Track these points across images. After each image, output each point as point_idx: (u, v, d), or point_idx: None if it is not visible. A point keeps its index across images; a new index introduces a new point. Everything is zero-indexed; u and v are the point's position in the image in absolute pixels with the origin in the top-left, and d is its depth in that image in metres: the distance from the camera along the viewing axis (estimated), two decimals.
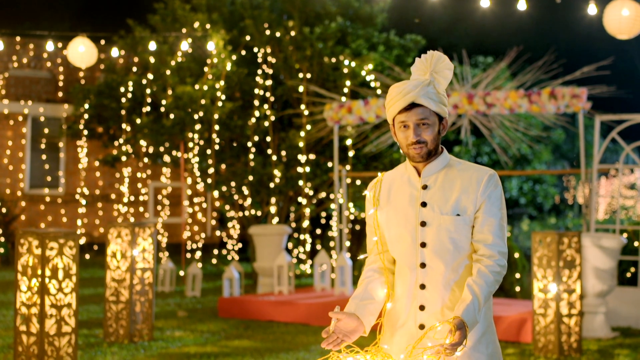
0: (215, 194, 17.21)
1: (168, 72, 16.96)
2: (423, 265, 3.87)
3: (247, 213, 17.20)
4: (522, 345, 10.25)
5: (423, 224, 3.88)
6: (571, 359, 9.52)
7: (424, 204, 3.89)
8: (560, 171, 19.50)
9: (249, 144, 16.58)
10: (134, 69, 18.59)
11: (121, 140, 18.24)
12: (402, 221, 3.94)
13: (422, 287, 3.87)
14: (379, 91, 15.67)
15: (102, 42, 19.41)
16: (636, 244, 12.36)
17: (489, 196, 3.85)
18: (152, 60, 17.33)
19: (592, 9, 12.46)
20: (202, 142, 16.74)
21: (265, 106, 16.61)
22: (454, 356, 3.65)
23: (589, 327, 10.81)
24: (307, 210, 16.37)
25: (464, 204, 3.85)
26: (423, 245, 3.87)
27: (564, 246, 9.64)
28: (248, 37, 16.89)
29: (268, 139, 16.69)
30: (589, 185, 12.30)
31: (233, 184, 16.79)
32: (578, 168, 19.21)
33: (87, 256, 21.08)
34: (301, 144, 16.03)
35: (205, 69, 16.88)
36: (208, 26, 16.89)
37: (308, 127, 15.94)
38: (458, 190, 3.87)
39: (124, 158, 18.26)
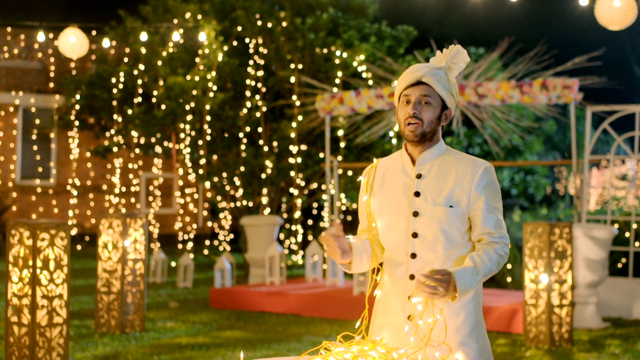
0: (207, 184, 17.20)
1: (159, 62, 16.93)
2: (414, 255, 3.84)
3: (238, 204, 17.19)
4: (514, 336, 10.27)
5: (415, 214, 3.84)
6: (562, 349, 9.54)
7: (417, 194, 3.86)
8: (552, 162, 19.53)
9: (241, 134, 16.56)
10: (125, 59, 18.54)
11: (112, 131, 18.21)
12: (394, 210, 3.91)
13: (412, 277, 3.83)
14: (370, 82, 15.67)
15: (94, 32, 19.36)
16: (627, 234, 12.39)
17: (485, 191, 3.82)
18: (143, 51, 17.29)
19: (583, 0, 12.46)
20: (193, 133, 16.72)
21: (257, 97, 16.59)
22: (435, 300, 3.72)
23: (580, 318, 10.84)
24: (299, 201, 16.37)
25: (457, 196, 3.81)
26: (415, 235, 3.84)
27: (555, 237, 9.66)
28: (239, 28, 16.86)
29: (260, 129, 16.68)
30: (580, 176, 12.32)
31: (225, 174, 16.78)
32: (569, 159, 19.24)
33: (79, 247, 21.06)
34: (293, 135, 16.02)
35: (197, 59, 16.85)
36: (199, 17, 16.86)
37: (300, 117, 15.93)
38: (452, 182, 3.83)
39: (115, 149, 18.23)
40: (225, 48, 16.57)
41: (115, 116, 17.96)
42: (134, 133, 17.40)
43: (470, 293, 3.73)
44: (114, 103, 17.88)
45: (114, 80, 17.79)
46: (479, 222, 3.83)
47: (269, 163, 16.16)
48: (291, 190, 16.74)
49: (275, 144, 16.61)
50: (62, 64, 22.59)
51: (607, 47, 14.33)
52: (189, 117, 16.35)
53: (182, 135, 16.65)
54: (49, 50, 22.41)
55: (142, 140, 17.71)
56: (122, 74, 17.65)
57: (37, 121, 22.59)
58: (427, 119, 3.85)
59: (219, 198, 17.73)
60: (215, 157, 17.32)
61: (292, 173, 16.26)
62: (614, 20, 11.77)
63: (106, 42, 17.35)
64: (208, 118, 16.34)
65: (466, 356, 3.78)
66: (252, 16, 16.65)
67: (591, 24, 13.02)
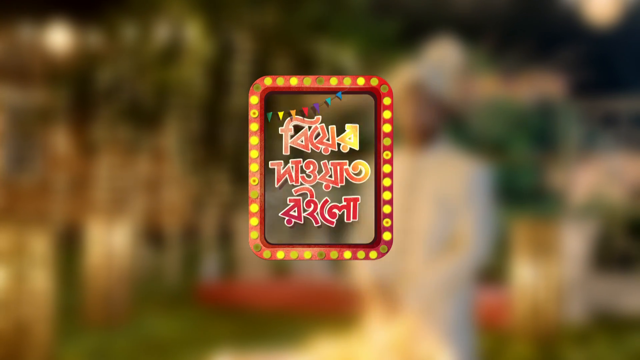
0: (195, 179, 17.16)
1: (146, 57, 16.86)
2: (405, 252, 3.84)
3: (227, 198, 17.15)
4: (499, 332, 10.27)
5: (407, 210, 3.84)
6: (548, 345, 9.55)
7: (411, 190, 3.85)
8: (538, 156, 19.51)
9: (229, 129, 16.52)
10: (112, 54, 18.46)
11: (99, 126, 18.13)
12: (395, 205, 3.89)
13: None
14: None
15: (80, 26, 19.27)
16: (614, 229, 12.41)
17: (472, 189, 3.76)
18: (130, 45, 17.22)
19: None
20: (181, 128, 16.67)
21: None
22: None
23: (566, 313, 10.85)
24: None
25: (446, 195, 3.77)
26: (406, 232, 3.84)
27: (542, 232, 9.66)
28: (227, 23, 16.80)
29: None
30: (567, 171, 12.34)
31: (213, 169, 16.74)
32: (556, 153, 19.28)
33: (65, 243, 20.98)
34: None
35: (184, 54, 16.79)
36: (186, 11, 16.80)
37: None
38: (443, 179, 3.79)
39: (101, 144, 18.16)
40: (212, 43, 16.52)
41: (101, 111, 17.88)
42: (121, 128, 17.34)
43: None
44: (101, 98, 17.80)
45: (100, 74, 17.70)
46: (458, 218, 3.78)
47: None
48: None
49: None
50: (47, 58, 22.50)
51: (595, 40, 14.34)
52: (177, 112, 16.30)
53: (169, 131, 16.60)
54: (34, 45, 22.32)
55: (130, 136, 17.64)
56: (108, 68, 17.58)
57: (22, 117, 22.50)
58: (428, 119, 3.81)
59: (207, 192, 17.68)
60: (203, 152, 17.27)
61: None
62: (601, 13, 11.77)
63: (92, 37, 17.28)
64: (196, 113, 16.29)
65: None
66: (239, 10, 16.59)
67: (579, 17, 13.03)
